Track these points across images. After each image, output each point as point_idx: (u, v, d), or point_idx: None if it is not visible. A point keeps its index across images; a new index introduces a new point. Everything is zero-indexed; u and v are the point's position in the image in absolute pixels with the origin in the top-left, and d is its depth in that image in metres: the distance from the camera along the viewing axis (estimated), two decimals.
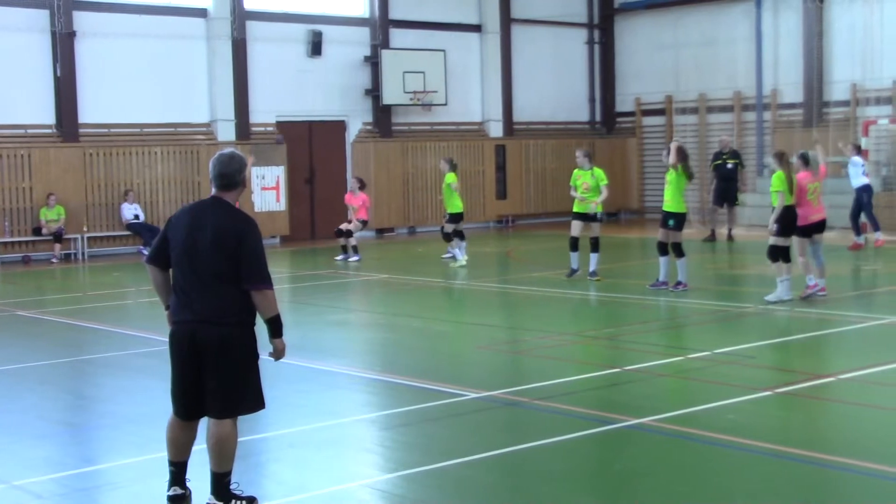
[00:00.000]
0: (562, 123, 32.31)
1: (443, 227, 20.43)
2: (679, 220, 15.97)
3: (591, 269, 17.15)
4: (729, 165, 24.36)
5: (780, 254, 14.58)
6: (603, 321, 14.42)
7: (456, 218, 20.22)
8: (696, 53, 30.34)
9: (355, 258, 21.60)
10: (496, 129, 30.57)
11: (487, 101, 30.52)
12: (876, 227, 21.23)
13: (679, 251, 15.84)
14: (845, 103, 27.74)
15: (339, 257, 21.64)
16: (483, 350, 12.42)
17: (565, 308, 15.52)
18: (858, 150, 21.46)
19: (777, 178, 14.61)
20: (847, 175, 21.84)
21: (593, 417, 9.00)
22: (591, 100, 33.06)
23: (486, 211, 30.35)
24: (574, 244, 17.45)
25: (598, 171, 17.38)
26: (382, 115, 28.33)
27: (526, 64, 31.20)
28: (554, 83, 32.04)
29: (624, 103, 32.82)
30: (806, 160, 14.94)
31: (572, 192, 17.53)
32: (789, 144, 28.11)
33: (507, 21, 30.66)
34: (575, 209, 17.50)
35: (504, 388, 10.00)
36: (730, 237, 23.67)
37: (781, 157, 14.83)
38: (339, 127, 27.90)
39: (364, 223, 22.23)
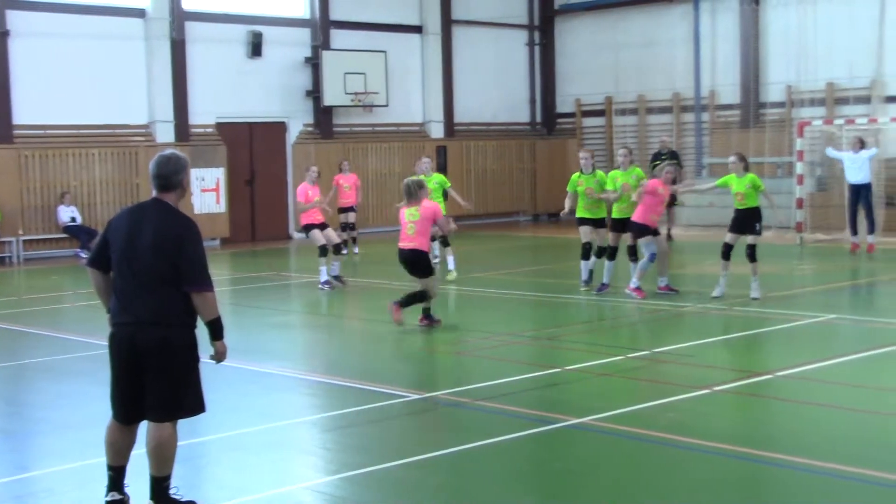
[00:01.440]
0: (503, 124, 32.42)
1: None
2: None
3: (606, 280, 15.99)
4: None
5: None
6: (544, 321, 14.49)
7: None
8: (636, 55, 30.59)
9: (356, 251, 22.42)
10: (437, 131, 30.60)
11: (428, 103, 30.55)
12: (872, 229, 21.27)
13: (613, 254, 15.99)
14: (781, 104, 28.12)
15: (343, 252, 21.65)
16: (425, 351, 12.44)
17: (506, 309, 15.57)
18: (862, 145, 21.50)
19: (756, 179, 15.26)
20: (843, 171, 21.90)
21: (534, 417, 9.05)
22: (532, 101, 33.21)
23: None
24: (587, 252, 16.17)
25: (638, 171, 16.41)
26: (323, 117, 28.24)
27: (467, 65, 31.27)
28: (495, 84, 32.14)
29: (564, 104, 33.00)
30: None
31: (609, 195, 15.91)
32: (727, 145, 28.48)
33: (447, 22, 30.71)
34: (586, 214, 16.12)
35: (446, 389, 10.03)
36: (669, 237, 23.90)
37: (744, 159, 15.38)
38: (279, 128, 27.76)
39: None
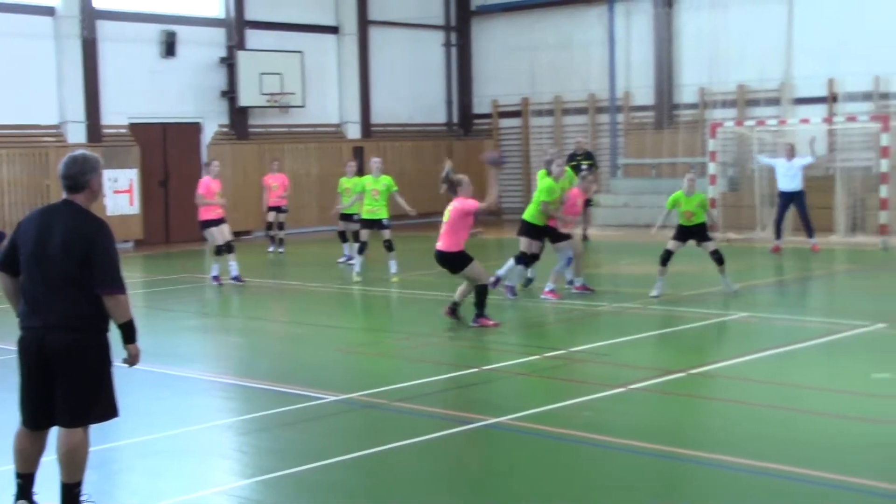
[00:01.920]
0: (419, 125, 32.43)
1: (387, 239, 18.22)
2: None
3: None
4: (583, 167, 24.73)
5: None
6: (462, 322, 14.48)
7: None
8: (552, 56, 30.81)
9: (281, 250, 22.62)
10: (354, 131, 30.49)
11: (345, 103, 30.44)
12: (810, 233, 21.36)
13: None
14: (694, 106, 28.53)
15: (272, 248, 21.45)
16: (342, 352, 12.38)
17: (425, 309, 15.56)
18: (790, 153, 21.53)
19: (704, 198, 16.00)
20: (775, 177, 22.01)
21: (452, 417, 9.05)
22: (449, 102, 33.27)
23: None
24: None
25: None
26: (239, 118, 27.97)
27: (383, 66, 31.21)
28: (411, 85, 32.13)
29: (481, 105, 33.12)
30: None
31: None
32: (641, 146, 28.88)
33: (364, 23, 30.61)
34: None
35: (363, 391, 9.98)
36: (584, 237, 24.08)
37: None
38: (193, 129, 27.43)
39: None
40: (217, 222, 17.94)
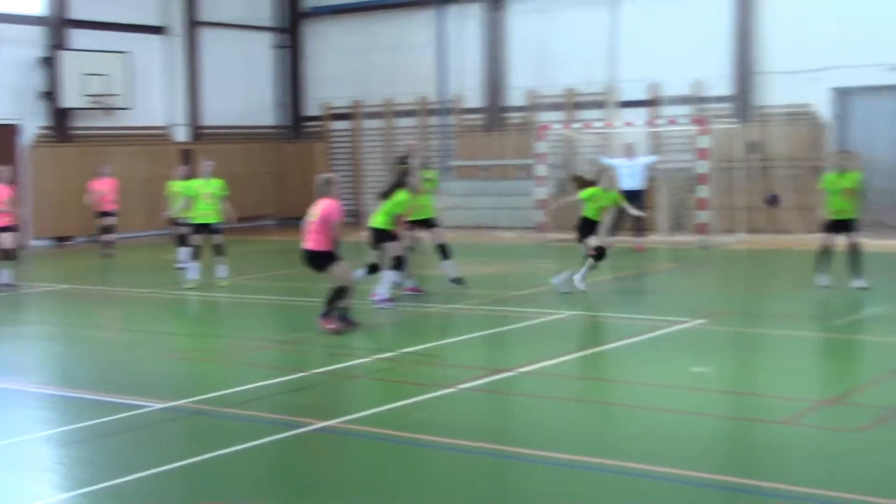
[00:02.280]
0: (249, 127, 32.03)
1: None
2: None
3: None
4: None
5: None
6: (292, 326, 14.35)
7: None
8: (383, 58, 30.84)
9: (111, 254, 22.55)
10: (182, 134, 29.92)
11: (173, 105, 29.84)
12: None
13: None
14: (523, 109, 28.98)
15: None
16: (170, 359, 12.10)
17: (254, 314, 15.37)
18: (630, 153, 22.08)
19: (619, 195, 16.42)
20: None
21: (281, 422, 8.94)
22: (279, 104, 32.97)
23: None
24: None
25: None
26: (60, 119, 27.10)
27: (212, 67, 30.70)
28: (241, 87, 31.70)
29: (312, 107, 32.92)
30: None
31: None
32: (472, 148, 29.17)
33: (191, 23, 30.07)
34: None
35: (190, 397, 9.77)
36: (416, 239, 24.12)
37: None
38: (10, 131, 26.43)
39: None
40: (6, 229, 17.81)
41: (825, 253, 15.31)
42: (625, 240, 21.96)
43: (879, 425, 8.38)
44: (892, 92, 24.42)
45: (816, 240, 15.73)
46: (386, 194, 15.23)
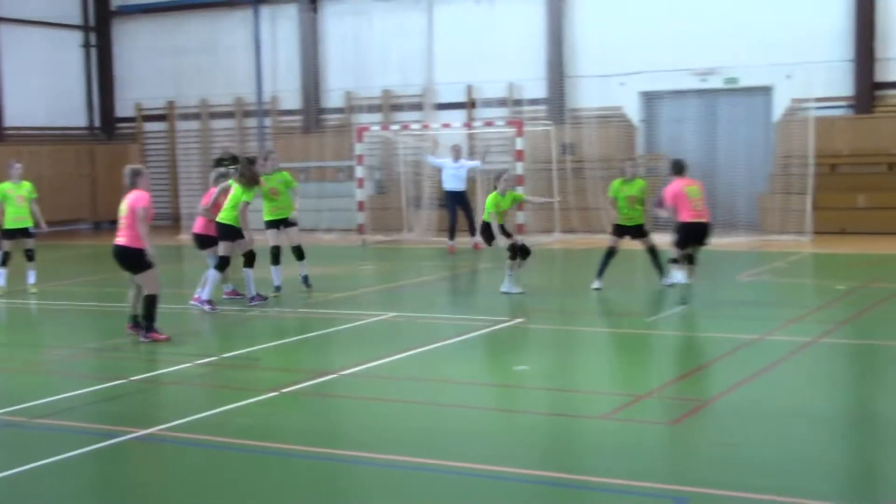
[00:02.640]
0: (58, 129, 31.01)
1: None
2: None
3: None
4: (232, 170, 24.53)
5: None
6: (108, 332, 13.93)
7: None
8: (197, 59, 30.33)
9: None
10: None
11: None
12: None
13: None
14: (341, 110, 28.96)
15: None
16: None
17: (68, 321, 14.89)
18: (456, 155, 22.13)
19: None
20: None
21: (99, 432, 8.69)
22: (90, 105, 32.02)
23: None
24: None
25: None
26: None
27: (17, 66, 29.59)
28: (49, 87, 30.67)
29: (124, 108, 32.11)
30: None
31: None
32: (290, 150, 28.97)
33: None
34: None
35: (0, 409, 9.39)
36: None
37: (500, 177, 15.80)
38: None
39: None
40: None
41: (608, 256, 15.64)
42: (441, 241, 22.19)
43: (689, 418, 8.71)
44: (697, 96, 25.43)
45: (628, 239, 16.18)
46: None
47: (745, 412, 8.86)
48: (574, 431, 8.69)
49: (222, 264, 14.83)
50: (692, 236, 14.66)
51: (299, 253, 16.04)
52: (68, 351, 12.37)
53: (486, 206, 15.42)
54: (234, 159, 24.66)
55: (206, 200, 15.38)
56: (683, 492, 6.91)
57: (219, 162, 24.40)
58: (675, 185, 14.80)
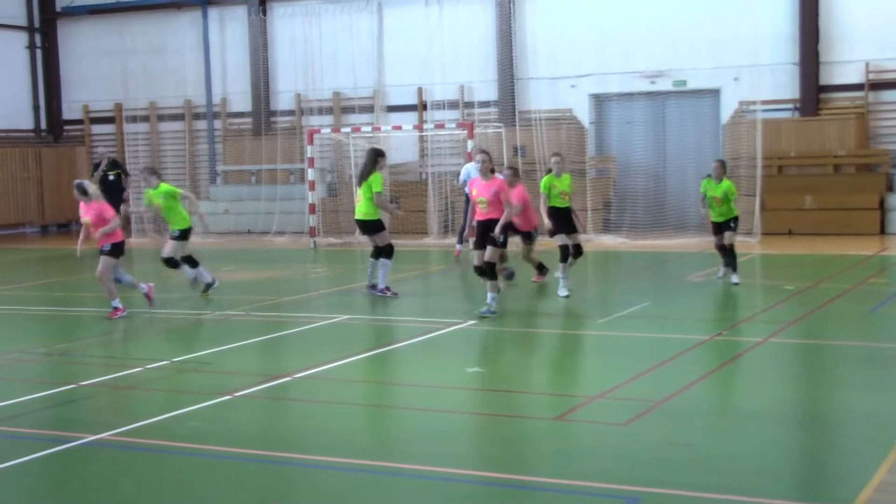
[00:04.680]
0: (4, 131, 30.62)
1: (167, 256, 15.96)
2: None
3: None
4: (111, 177, 24.23)
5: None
6: (56, 336, 13.77)
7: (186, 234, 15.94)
8: (145, 61, 30.08)
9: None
10: None
11: None
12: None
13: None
14: (291, 113, 28.84)
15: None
16: None
17: (14, 326, 14.68)
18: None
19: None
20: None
21: (47, 438, 8.57)
22: (36, 107, 31.64)
23: None
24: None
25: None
26: None
27: None
28: None
29: (71, 111, 31.77)
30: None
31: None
32: (240, 152, 28.82)
33: None
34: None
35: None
36: None
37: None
38: None
39: None
40: None
41: (565, 256, 15.48)
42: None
43: (642, 418, 8.75)
44: (646, 98, 25.61)
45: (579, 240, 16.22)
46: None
47: (698, 412, 8.93)
48: (527, 433, 8.70)
49: (389, 251, 15.53)
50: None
51: (190, 260, 15.85)
52: (15, 355, 12.19)
53: (542, 190, 15.64)
54: (113, 164, 24.23)
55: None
56: (637, 492, 6.94)
57: (96, 167, 24.05)
58: (519, 189, 15.72)
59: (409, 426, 8.85)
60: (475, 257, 13.98)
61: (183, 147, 30.06)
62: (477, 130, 23.70)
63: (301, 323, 13.78)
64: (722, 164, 16.06)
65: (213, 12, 29.59)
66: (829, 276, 17.19)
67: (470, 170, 18.99)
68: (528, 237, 16.36)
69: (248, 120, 29.35)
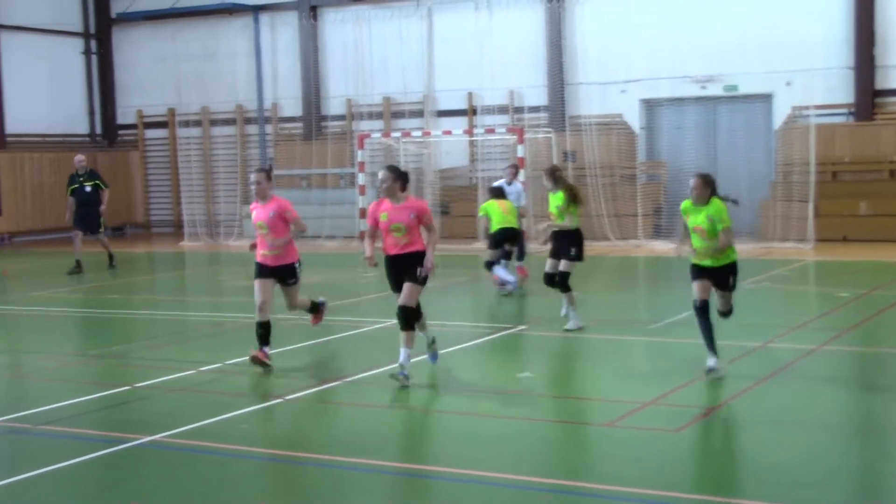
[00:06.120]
0: (60, 136, 31.01)
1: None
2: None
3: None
4: (87, 188, 21.52)
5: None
6: (111, 339, 13.95)
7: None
8: (198, 66, 30.35)
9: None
10: None
11: None
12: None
13: None
14: (342, 117, 28.98)
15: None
16: None
17: (70, 328, 14.88)
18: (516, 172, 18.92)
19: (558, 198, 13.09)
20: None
21: (102, 438, 8.68)
22: (91, 112, 32.04)
23: None
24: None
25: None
26: None
27: (18, 73, 29.60)
28: (50, 94, 30.69)
29: (126, 115, 32.12)
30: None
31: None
32: (291, 157, 29.00)
33: None
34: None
35: (3, 416, 9.38)
36: (111, 264, 21.60)
37: (555, 174, 13.26)
38: None
39: None
40: None
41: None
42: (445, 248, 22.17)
43: (693, 425, 8.70)
44: (695, 103, 25.45)
45: (629, 246, 16.17)
46: None
47: (750, 420, 8.86)
48: (577, 438, 8.68)
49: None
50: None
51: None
52: (72, 357, 12.36)
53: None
54: (91, 174, 22.36)
55: None
56: (687, 499, 6.91)
57: (73, 178, 21.25)
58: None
59: (459, 431, 8.86)
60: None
61: (234, 152, 30.29)
62: (527, 135, 23.68)
63: (351, 327, 13.84)
64: (704, 180, 10.45)
65: (265, 18, 29.81)
66: (884, 283, 16.98)
67: (516, 187, 17.79)
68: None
69: (299, 124, 29.52)
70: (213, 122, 30.67)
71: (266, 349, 11.16)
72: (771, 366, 10.98)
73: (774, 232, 23.12)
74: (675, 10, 25.22)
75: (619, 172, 25.50)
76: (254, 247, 11.47)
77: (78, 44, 31.69)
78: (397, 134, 25.98)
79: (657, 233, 24.45)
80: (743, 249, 21.83)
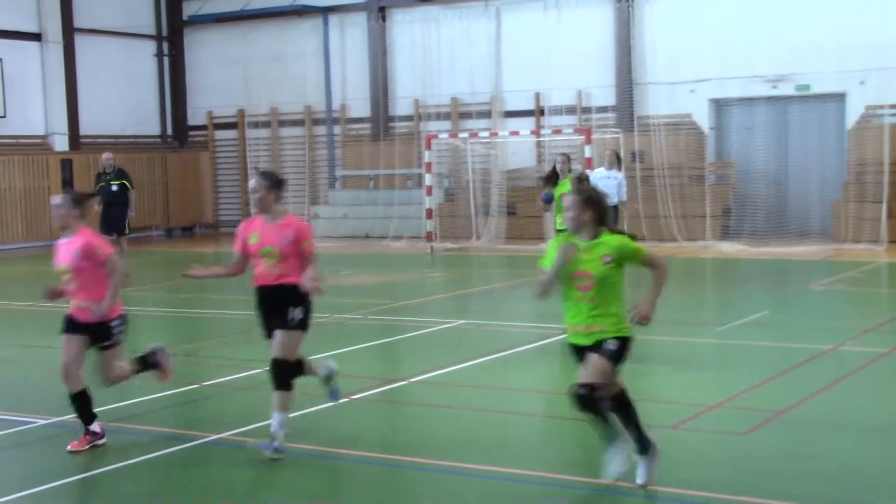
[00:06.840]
0: (132, 137, 31.48)
1: None
2: None
3: None
4: (114, 187, 20.87)
5: None
6: (181, 337, 14.13)
7: None
8: (267, 67, 30.62)
9: None
10: (62, 143, 29.24)
11: (51, 114, 29.14)
12: None
13: None
14: (409, 118, 29.05)
15: None
16: (51, 374, 11.76)
17: (141, 326, 15.06)
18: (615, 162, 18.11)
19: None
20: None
21: (171, 436, 8.79)
22: (162, 113, 32.47)
23: (53, 228, 28.88)
24: None
25: None
26: None
27: (92, 75, 30.09)
28: (123, 95, 31.15)
29: (196, 116, 32.51)
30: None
31: None
32: (359, 157, 29.15)
33: (69, 30, 29.43)
34: None
35: (72, 414, 9.52)
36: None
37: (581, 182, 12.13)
38: None
39: None
40: None
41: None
42: (508, 248, 22.14)
43: (761, 428, 8.59)
44: (766, 103, 25.13)
45: (698, 247, 16.02)
46: None
47: (820, 424, 8.73)
48: None
49: None
50: None
51: None
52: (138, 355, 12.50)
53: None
54: (120, 173, 22.02)
55: None
56: (755, 503, 6.82)
57: (100, 177, 21.40)
58: None
59: (524, 431, 8.84)
60: None
61: (303, 152, 30.51)
62: (594, 136, 23.57)
63: (417, 327, 13.87)
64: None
65: (334, 19, 29.98)
66: None
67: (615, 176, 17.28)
68: None
69: (367, 125, 29.66)
70: (282, 123, 30.92)
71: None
72: (842, 369, 10.81)
73: (847, 233, 22.76)
74: (746, 8, 24.92)
75: (688, 173, 25.28)
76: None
77: (150, 46, 32.13)
78: (464, 135, 26.00)
79: (726, 234, 24.19)
80: (813, 251, 21.61)
